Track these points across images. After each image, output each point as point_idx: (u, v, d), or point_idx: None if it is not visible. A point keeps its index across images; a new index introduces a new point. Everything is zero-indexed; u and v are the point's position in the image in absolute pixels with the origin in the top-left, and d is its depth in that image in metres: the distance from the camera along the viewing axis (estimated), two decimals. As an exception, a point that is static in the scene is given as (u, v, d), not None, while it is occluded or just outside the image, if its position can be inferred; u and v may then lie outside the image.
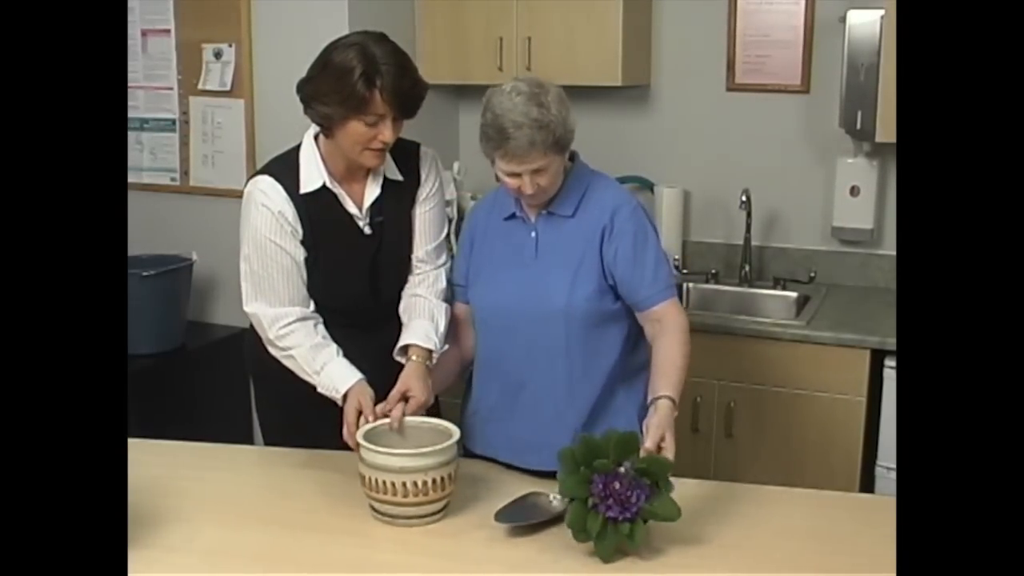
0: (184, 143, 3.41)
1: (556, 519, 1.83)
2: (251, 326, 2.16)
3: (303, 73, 2.04)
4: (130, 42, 3.35)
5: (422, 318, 2.13)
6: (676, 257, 3.41)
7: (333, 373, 2.02)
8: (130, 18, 3.34)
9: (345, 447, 1.97)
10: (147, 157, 3.46)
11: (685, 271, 3.44)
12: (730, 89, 3.42)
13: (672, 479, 1.76)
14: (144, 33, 3.38)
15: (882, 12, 2.96)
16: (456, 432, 1.90)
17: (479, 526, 1.84)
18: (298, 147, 2.12)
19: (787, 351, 2.89)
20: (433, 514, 1.86)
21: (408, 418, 1.97)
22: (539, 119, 1.90)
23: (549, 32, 3.24)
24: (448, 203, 2.90)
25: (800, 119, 3.36)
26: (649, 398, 1.91)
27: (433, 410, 2.12)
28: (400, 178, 2.15)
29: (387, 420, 1.95)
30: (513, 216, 2.11)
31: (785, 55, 3.32)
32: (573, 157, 2.10)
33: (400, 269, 2.20)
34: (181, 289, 3.24)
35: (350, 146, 2.01)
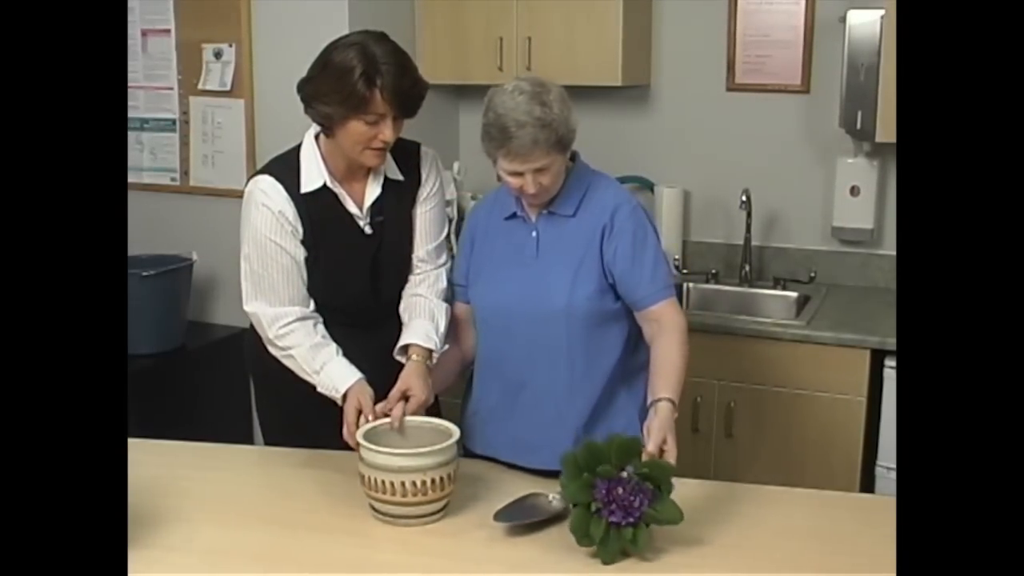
0: (184, 143, 3.41)
1: (556, 518, 1.83)
2: (251, 326, 2.16)
3: (303, 73, 2.04)
4: (130, 42, 3.35)
5: (422, 318, 2.13)
6: (676, 257, 3.41)
7: (333, 372, 2.02)
8: (130, 18, 3.34)
9: (345, 447, 1.97)
10: (147, 157, 3.46)
11: (685, 271, 3.44)
12: (730, 89, 3.42)
13: (673, 480, 1.76)
14: (144, 33, 3.38)
15: (882, 12, 2.96)
16: (456, 432, 1.90)
17: (479, 526, 1.84)
18: (298, 147, 2.12)
19: (787, 351, 2.89)
20: (433, 514, 1.86)
21: (408, 418, 1.97)
22: (542, 118, 1.90)
23: (549, 32, 3.24)
24: (448, 203, 2.90)
25: (800, 119, 3.36)
26: (648, 400, 1.91)
27: (433, 410, 2.12)
28: (401, 178, 2.15)
29: (387, 420, 1.95)
30: (514, 216, 2.11)
31: (785, 55, 3.32)
32: (574, 157, 2.10)
33: (400, 269, 2.20)
34: (181, 289, 3.24)
35: (351, 146, 2.01)
